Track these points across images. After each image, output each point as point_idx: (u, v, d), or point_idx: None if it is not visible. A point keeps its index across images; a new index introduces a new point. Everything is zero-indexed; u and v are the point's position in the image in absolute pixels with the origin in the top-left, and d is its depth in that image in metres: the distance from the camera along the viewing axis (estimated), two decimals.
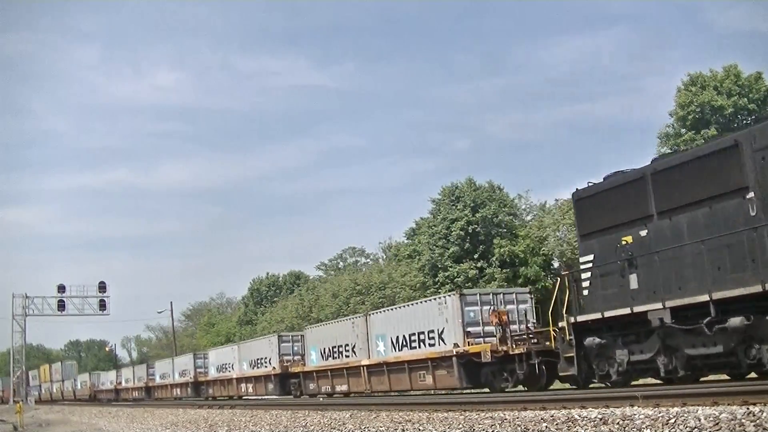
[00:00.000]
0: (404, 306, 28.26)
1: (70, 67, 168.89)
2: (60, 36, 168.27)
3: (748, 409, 8.98)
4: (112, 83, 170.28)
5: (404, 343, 25.97)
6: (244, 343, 43.46)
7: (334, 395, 30.53)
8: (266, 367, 37.13)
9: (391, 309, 29.06)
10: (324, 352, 31.59)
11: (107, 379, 69.05)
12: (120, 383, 64.17)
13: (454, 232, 46.66)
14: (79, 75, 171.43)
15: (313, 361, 32.41)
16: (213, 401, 39.67)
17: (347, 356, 29.72)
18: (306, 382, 33.09)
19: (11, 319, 70.06)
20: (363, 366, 28.18)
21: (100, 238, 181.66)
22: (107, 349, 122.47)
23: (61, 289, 68.40)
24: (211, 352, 48.01)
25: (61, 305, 68.52)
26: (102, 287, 69.24)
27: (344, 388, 29.71)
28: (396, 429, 13.66)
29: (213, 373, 45.19)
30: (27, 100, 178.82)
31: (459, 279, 45.32)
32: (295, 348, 35.90)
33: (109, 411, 39.30)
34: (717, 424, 8.74)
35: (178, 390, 50.52)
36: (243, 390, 40.56)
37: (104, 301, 69.32)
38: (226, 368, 42.84)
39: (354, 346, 29.24)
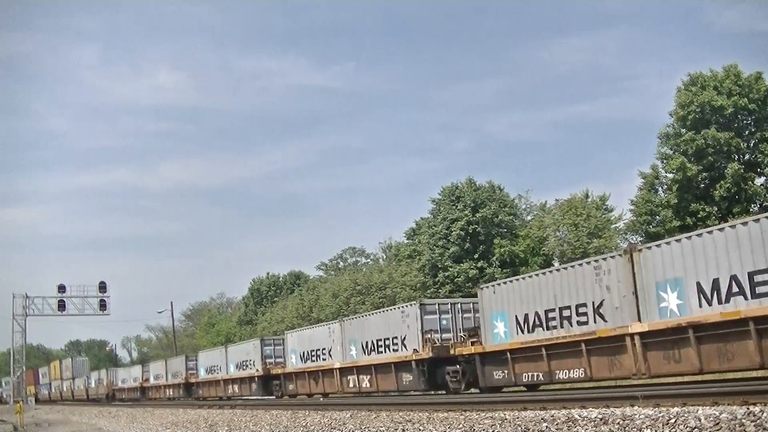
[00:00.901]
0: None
1: (70, 67, 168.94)
2: (60, 36, 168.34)
3: (748, 409, 8.99)
4: (112, 83, 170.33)
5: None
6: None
7: (313, 395, 32.21)
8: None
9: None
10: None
11: (130, 375, 62.54)
12: (147, 380, 56.87)
13: (454, 232, 46.67)
14: (79, 75, 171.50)
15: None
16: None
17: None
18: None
19: (11, 319, 70.01)
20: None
21: (100, 238, 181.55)
22: (107, 349, 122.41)
23: (62, 289, 68.33)
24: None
25: (62, 305, 68.44)
26: (102, 287, 69.16)
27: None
28: (396, 429, 13.66)
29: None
30: (27, 100, 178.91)
31: (459, 279, 45.33)
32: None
33: (109, 411, 39.31)
34: (717, 424, 8.74)
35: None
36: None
37: (104, 301, 69.23)
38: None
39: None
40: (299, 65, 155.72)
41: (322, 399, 29.69)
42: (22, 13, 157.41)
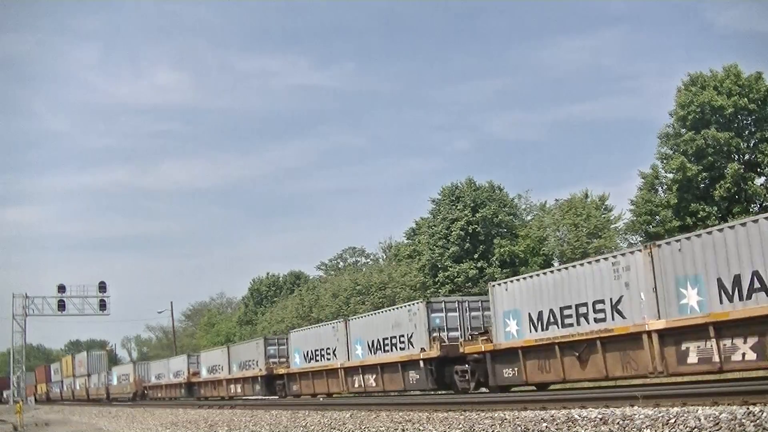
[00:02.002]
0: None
1: (70, 67, 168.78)
2: (60, 36, 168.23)
3: (748, 409, 8.99)
4: (112, 83, 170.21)
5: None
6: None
7: (317, 395, 31.88)
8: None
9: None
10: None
11: (168, 368, 51.77)
12: (197, 373, 46.44)
13: (454, 232, 46.67)
14: (79, 75, 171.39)
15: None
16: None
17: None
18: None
19: (11, 319, 70.04)
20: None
21: (100, 238, 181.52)
22: (108, 349, 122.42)
23: (61, 289, 68.38)
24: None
25: (61, 305, 68.48)
26: (102, 287, 69.23)
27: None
28: (396, 429, 13.67)
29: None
30: (27, 100, 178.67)
31: (459, 279, 45.34)
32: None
33: (109, 411, 39.32)
34: (717, 424, 8.75)
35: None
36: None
37: (104, 301, 69.30)
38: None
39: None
40: (299, 65, 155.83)
41: (322, 399, 29.67)
42: (22, 13, 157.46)
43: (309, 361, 32.59)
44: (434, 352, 23.89)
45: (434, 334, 24.23)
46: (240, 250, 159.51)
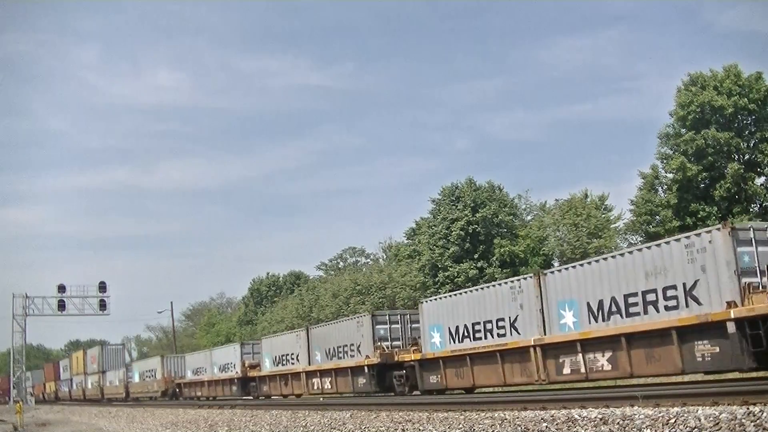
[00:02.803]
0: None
1: (70, 67, 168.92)
2: (60, 36, 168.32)
3: (748, 409, 8.99)
4: (112, 83, 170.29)
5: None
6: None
7: (286, 396, 34.57)
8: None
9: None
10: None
11: (210, 360, 43.62)
12: (256, 365, 38.36)
13: (454, 232, 46.66)
14: (79, 75, 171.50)
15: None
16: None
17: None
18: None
19: (11, 319, 69.95)
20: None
21: (100, 238, 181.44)
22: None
23: (61, 289, 68.30)
24: (264, 341, 39.01)
25: (61, 305, 68.40)
26: (102, 287, 69.13)
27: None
28: (396, 429, 13.66)
29: (269, 366, 37.53)
30: (27, 100, 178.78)
31: (459, 279, 45.33)
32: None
33: (109, 411, 39.32)
34: (717, 424, 8.75)
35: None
36: (316, 386, 39.04)
37: (104, 301, 69.19)
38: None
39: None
40: (299, 65, 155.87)
41: (322, 399, 29.67)
42: (22, 13, 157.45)
43: (277, 365, 35.65)
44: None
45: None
46: (240, 250, 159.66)
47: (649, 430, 9.39)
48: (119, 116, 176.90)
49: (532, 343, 19.61)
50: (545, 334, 19.45)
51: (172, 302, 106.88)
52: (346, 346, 29.21)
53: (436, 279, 47.35)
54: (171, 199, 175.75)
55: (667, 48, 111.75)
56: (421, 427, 13.19)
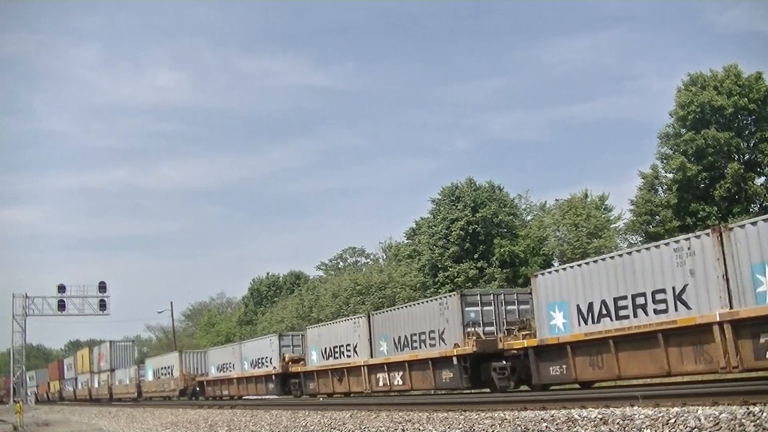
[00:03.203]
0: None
1: (70, 67, 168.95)
2: (60, 36, 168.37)
3: (748, 409, 8.98)
4: (112, 83, 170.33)
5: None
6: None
7: (336, 395, 31.35)
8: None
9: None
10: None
11: (242, 355, 38.91)
12: (299, 360, 34.22)
13: (454, 232, 46.67)
14: (79, 75, 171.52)
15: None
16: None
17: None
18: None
19: (11, 319, 69.96)
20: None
21: (100, 238, 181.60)
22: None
23: (61, 289, 68.30)
24: (310, 332, 34.85)
25: (61, 305, 68.40)
26: (102, 287, 69.13)
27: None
28: (396, 429, 13.65)
29: (316, 360, 35.30)
30: (27, 100, 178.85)
31: (459, 279, 45.35)
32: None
33: (108, 411, 39.31)
34: (717, 424, 8.74)
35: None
36: (381, 383, 36.85)
37: (104, 301, 69.19)
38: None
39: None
40: (299, 65, 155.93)
41: (321, 399, 29.62)
42: (22, 13, 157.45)
43: (327, 359, 31.19)
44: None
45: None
46: (240, 250, 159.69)
47: (649, 430, 9.38)
48: (119, 116, 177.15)
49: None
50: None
51: (172, 302, 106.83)
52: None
53: (436, 279, 47.37)
54: (171, 199, 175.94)
55: (667, 48, 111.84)
56: (421, 427, 13.18)
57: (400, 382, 26.00)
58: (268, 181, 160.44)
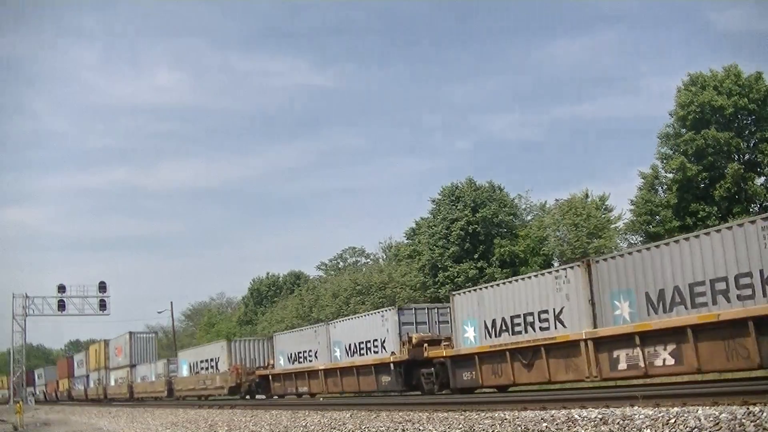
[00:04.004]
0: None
1: (70, 67, 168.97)
2: (60, 36, 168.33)
3: (748, 409, 8.98)
4: (112, 83, 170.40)
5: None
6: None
7: None
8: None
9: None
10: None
11: (329, 339, 30.71)
12: (435, 340, 25.44)
13: (454, 232, 46.66)
14: (79, 75, 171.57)
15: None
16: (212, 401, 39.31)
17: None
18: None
19: (11, 319, 69.93)
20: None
21: (100, 238, 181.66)
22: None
23: (62, 289, 68.25)
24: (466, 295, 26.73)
25: (61, 305, 68.35)
26: (102, 287, 69.08)
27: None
28: (396, 429, 13.65)
29: (282, 364, 35.19)
30: (27, 100, 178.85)
31: (459, 279, 45.34)
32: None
33: (108, 411, 39.30)
34: (717, 424, 8.74)
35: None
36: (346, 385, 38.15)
37: (104, 301, 69.14)
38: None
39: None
40: (299, 65, 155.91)
41: (322, 399, 29.61)
42: (22, 13, 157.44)
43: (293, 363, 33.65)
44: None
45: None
46: (240, 250, 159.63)
47: (649, 430, 9.38)
48: (119, 116, 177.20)
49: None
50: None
51: (172, 302, 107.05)
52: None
53: (436, 279, 47.34)
54: (171, 199, 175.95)
55: (667, 48, 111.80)
56: (421, 427, 13.18)
57: (351, 385, 29.19)
58: (268, 181, 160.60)
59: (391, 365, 26.14)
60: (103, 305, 69.01)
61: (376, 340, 27.39)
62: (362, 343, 28.37)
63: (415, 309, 27.31)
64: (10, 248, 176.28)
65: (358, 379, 28.56)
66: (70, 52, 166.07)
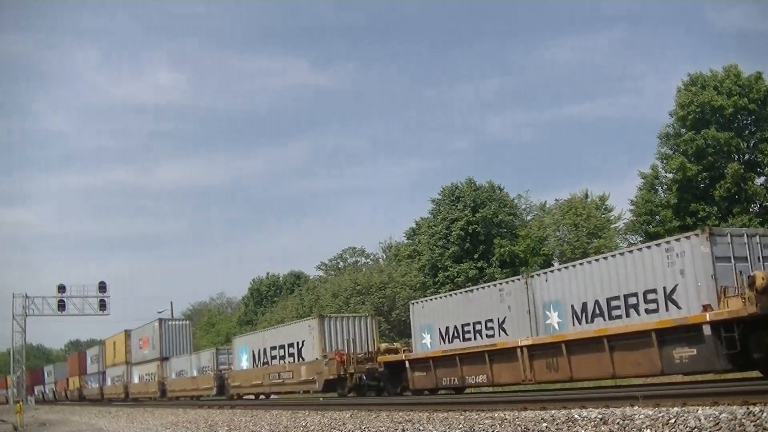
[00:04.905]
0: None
1: (70, 67, 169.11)
2: (60, 36, 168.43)
3: (748, 409, 8.98)
4: (113, 83, 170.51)
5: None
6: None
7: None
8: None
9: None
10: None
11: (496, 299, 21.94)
12: None
13: (454, 232, 46.67)
14: (79, 75, 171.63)
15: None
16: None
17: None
18: None
19: (11, 319, 69.94)
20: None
21: (100, 238, 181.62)
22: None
23: (61, 289, 68.24)
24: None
25: (61, 305, 68.32)
26: (102, 287, 69.05)
27: None
28: (396, 429, 13.65)
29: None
30: (27, 100, 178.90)
31: (459, 279, 45.35)
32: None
33: (109, 411, 39.29)
34: (717, 424, 8.73)
35: None
36: None
37: (104, 301, 69.11)
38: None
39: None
40: (299, 65, 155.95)
41: (322, 399, 29.57)
42: (22, 13, 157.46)
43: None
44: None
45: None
46: (240, 250, 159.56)
47: (649, 430, 9.38)
48: (119, 116, 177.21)
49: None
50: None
51: (172, 302, 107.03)
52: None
53: (436, 279, 47.34)
54: (171, 199, 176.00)
55: (667, 48, 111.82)
56: (421, 427, 13.18)
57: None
58: (268, 181, 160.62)
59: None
60: (103, 305, 68.98)
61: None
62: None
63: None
64: (10, 248, 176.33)
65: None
66: (70, 52, 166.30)
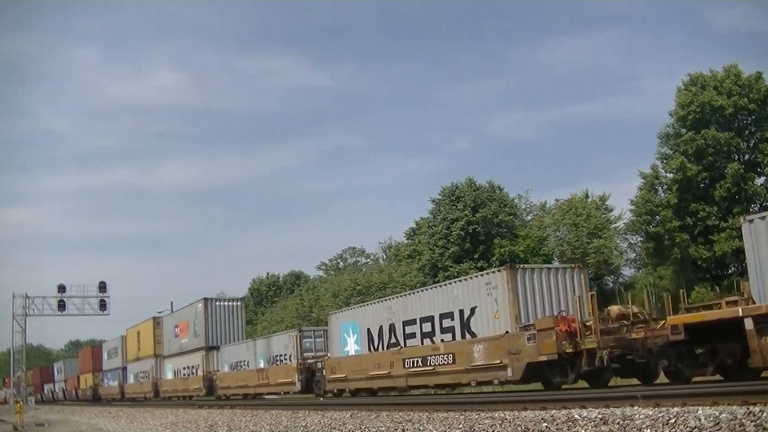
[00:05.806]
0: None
1: (70, 67, 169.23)
2: (60, 36, 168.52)
3: (748, 409, 8.98)
4: (113, 83, 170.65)
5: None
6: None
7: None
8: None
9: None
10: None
11: None
12: None
13: (454, 232, 46.65)
14: (79, 75, 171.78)
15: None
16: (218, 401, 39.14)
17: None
18: None
19: (11, 319, 69.88)
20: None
21: (100, 238, 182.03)
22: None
23: (62, 289, 68.18)
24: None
25: (62, 305, 68.26)
26: (102, 287, 68.99)
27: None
28: (396, 429, 13.65)
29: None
30: (27, 100, 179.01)
31: None
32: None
33: (109, 411, 39.28)
34: (717, 424, 8.74)
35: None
36: None
37: (104, 301, 69.03)
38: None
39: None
40: (299, 65, 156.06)
41: (322, 399, 29.58)
42: (22, 13, 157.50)
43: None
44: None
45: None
46: (240, 250, 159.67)
47: (649, 430, 9.38)
48: (120, 116, 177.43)
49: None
50: None
51: (172, 302, 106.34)
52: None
53: (436, 279, 47.30)
54: (171, 199, 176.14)
55: (667, 48, 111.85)
56: (421, 427, 13.18)
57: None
58: (268, 181, 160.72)
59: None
60: (103, 305, 68.91)
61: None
62: None
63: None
64: (10, 248, 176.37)
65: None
66: (70, 52, 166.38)
